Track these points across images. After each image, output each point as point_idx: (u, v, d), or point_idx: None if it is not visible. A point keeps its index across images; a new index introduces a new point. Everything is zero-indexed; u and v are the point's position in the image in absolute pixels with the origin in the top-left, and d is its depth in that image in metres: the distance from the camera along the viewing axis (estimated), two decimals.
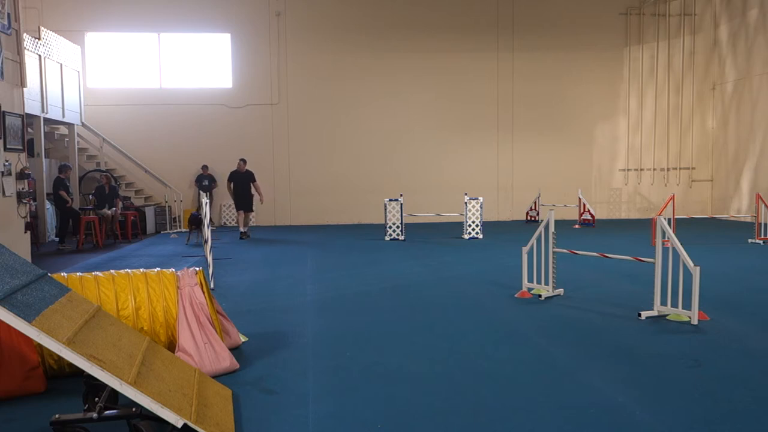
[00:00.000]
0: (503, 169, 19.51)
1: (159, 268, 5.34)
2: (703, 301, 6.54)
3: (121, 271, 5.21)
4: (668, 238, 6.44)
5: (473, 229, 14.37)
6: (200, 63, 18.52)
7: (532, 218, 18.37)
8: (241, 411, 4.18)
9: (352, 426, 3.95)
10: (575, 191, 18.04)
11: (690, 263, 6.20)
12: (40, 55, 13.95)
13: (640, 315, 6.55)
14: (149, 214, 16.84)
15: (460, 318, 6.72)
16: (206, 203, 9.49)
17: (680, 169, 20.06)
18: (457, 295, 7.88)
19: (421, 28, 18.81)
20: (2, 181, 9.69)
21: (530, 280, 7.91)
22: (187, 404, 3.59)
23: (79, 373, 3.90)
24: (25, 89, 10.95)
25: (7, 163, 9.84)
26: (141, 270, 5.24)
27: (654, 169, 19.99)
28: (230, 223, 18.37)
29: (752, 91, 17.93)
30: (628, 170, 19.97)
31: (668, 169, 20.02)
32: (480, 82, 19.14)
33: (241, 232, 15.05)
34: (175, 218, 17.74)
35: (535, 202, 18.43)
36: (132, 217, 15.43)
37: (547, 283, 7.68)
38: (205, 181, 17.54)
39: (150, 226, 16.78)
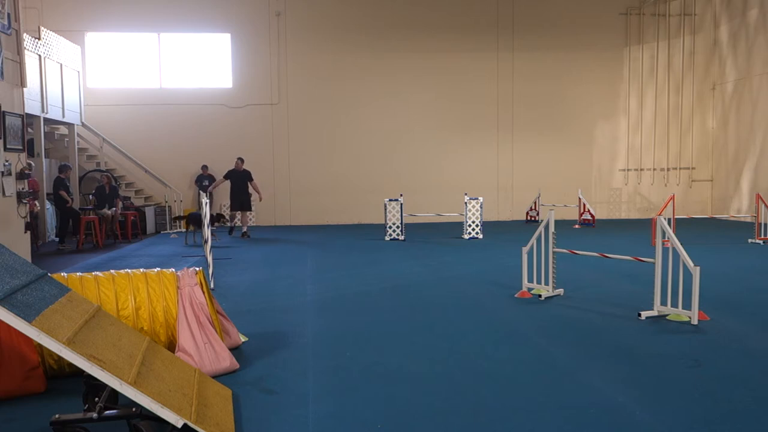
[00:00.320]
0: (503, 169, 19.51)
1: (159, 268, 5.34)
2: (703, 301, 6.54)
3: (121, 271, 5.21)
4: (668, 238, 6.44)
5: (473, 229, 14.37)
6: (200, 63, 18.52)
7: (532, 218, 18.37)
8: (241, 411, 4.18)
9: (352, 426, 3.95)
10: (575, 191, 18.04)
11: (690, 263, 6.20)
12: (40, 55, 13.95)
13: (640, 315, 6.55)
14: (149, 214, 16.84)
15: (460, 318, 6.72)
16: (206, 203, 9.49)
17: (680, 169, 20.06)
18: (457, 295, 7.88)
19: (421, 28, 18.81)
20: (2, 181, 9.69)
21: (530, 280, 7.91)
22: (187, 404, 3.59)
23: (79, 373, 3.90)
24: (25, 89, 10.95)
25: (7, 163, 9.83)
26: (141, 270, 5.24)
27: (654, 169, 19.99)
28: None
29: (752, 91, 17.93)
30: (628, 170, 19.97)
31: (668, 169, 20.02)
32: (480, 82, 19.14)
33: (243, 232, 15.12)
34: (174, 218, 17.72)
35: (535, 202, 18.43)
36: (132, 217, 15.43)
37: (547, 283, 7.68)
38: (205, 181, 17.53)
39: (150, 226, 16.79)
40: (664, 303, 6.57)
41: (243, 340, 5.71)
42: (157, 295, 5.02)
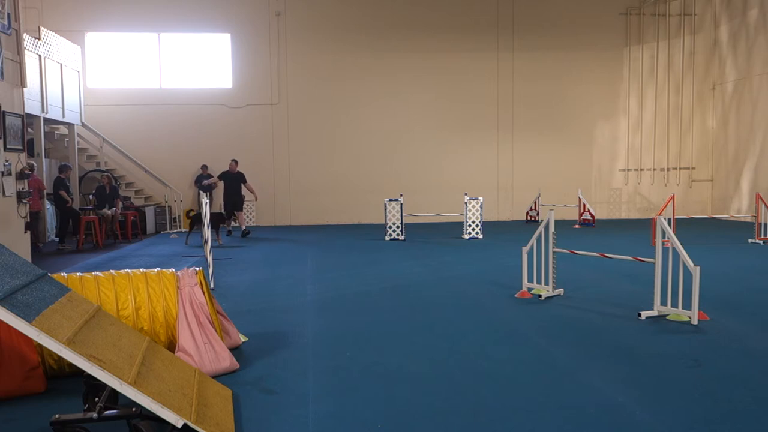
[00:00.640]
0: (503, 169, 19.51)
1: (159, 268, 5.34)
2: (703, 301, 6.54)
3: (121, 271, 5.22)
4: (668, 238, 6.44)
5: (473, 229, 14.37)
6: (200, 63, 18.52)
7: (532, 218, 18.37)
8: (241, 411, 4.18)
9: (352, 426, 3.95)
10: (575, 191, 18.04)
11: (690, 263, 6.20)
12: (40, 55, 13.95)
13: (640, 315, 6.55)
14: (149, 214, 16.84)
15: (460, 318, 6.72)
16: (206, 203, 9.49)
17: (680, 169, 20.06)
18: (457, 295, 7.88)
19: (421, 28, 18.81)
20: (2, 181, 9.69)
21: (530, 280, 7.91)
22: (187, 404, 3.59)
23: (79, 373, 3.90)
24: (25, 89, 10.94)
25: (7, 163, 9.83)
26: (141, 270, 5.24)
27: (654, 169, 19.99)
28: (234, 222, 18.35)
29: (752, 91, 17.93)
30: (628, 170, 19.97)
31: (668, 169, 20.02)
32: (480, 82, 19.14)
33: (243, 231, 15.21)
34: (175, 218, 17.74)
35: (535, 202, 18.43)
36: (132, 217, 15.43)
37: (547, 283, 7.68)
38: (204, 181, 17.52)
39: (150, 226, 16.79)
40: (664, 303, 6.57)
41: (243, 340, 5.71)
42: (157, 295, 5.02)
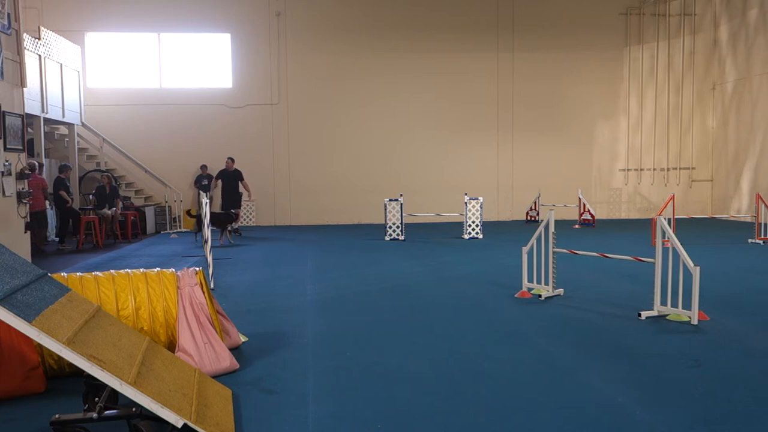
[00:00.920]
0: (503, 169, 19.51)
1: (159, 268, 5.34)
2: (703, 301, 6.54)
3: (121, 271, 5.22)
4: (668, 238, 6.44)
5: (473, 229, 14.37)
6: (200, 63, 18.52)
7: (532, 218, 18.37)
8: (241, 411, 4.18)
9: (352, 426, 3.95)
10: (575, 191, 18.04)
11: (690, 263, 6.20)
12: (40, 55, 13.95)
13: (640, 315, 6.55)
14: (149, 214, 16.84)
15: (460, 318, 6.72)
16: (206, 203, 9.49)
17: (680, 169, 20.06)
18: (457, 295, 7.88)
19: (421, 28, 18.81)
20: (2, 181, 9.69)
21: (530, 280, 7.91)
22: (187, 404, 3.59)
23: (79, 373, 3.90)
24: (25, 89, 10.94)
25: (7, 163, 9.83)
26: (141, 270, 5.24)
27: (654, 169, 19.99)
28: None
29: (752, 91, 17.93)
30: (628, 170, 19.97)
31: (668, 169, 20.02)
32: (480, 82, 19.14)
33: (235, 229, 15.24)
34: (175, 218, 17.74)
35: (535, 202, 18.43)
36: (132, 217, 15.43)
37: (547, 283, 7.68)
38: (204, 181, 17.53)
39: (150, 226, 16.79)
40: (664, 303, 6.57)
41: (243, 340, 5.71)
42: (157, 295, 5.02)
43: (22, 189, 10.45)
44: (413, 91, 18.98)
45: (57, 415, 3.55)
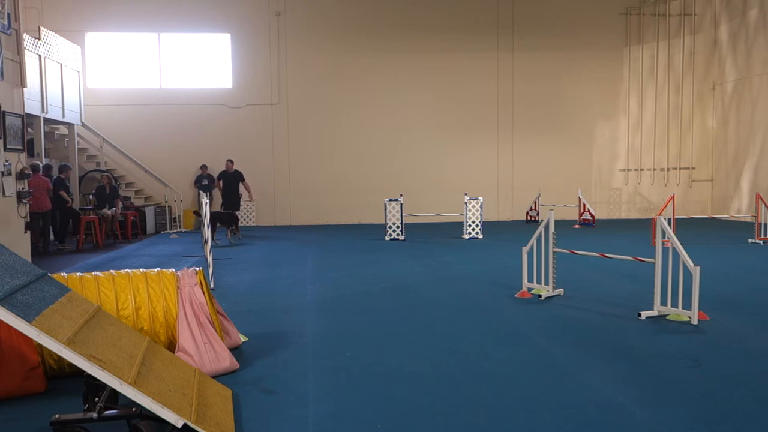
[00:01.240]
0: (503, 169, 19.51)
1: (159, 268, 5.34)
2: (703, 301, 6.54)
3: (121, 271, 5.22)
4: (668, 238, 6.44)
5: (473, 229, 14.37)
6: (200, 63, 18.52)
7: (532, 218, 18.37)
8: (241, 411, 4.18)
9: (352, 426, 3.95)
10: (575, 191, 18.04)
11: (690, 263, 6.20)
12: (40, 55, 13.95)
13: (640, 315, 6.55)
14: (149, 214, 16.84)
15: (460, 318, 6.72)
16: (206, 203, 9.49)
17: (680, 169, 20.06)
18: (457, 295, 7.88)
19: (421, 28, 18.81)
20: (2, 181, 9.69)
21: (530, 280, 7.91)
22: (187, 404, 3.59)
23: (79, 373, 3.90)
24: (25, 89, 10.94)
25: (7, 163, 9.83)
26: (141, 270, 5.24)
27: (654, 169, 19.99)
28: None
29: (752, 91, 17.93)
30: (628, 170, 19.97)
31: (668, 169, 20.02)
32: (480, 82, 19.13)
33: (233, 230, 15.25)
34: (175, 218, 17.74)
35: (535, 202, 18.43)
36: (132, 217, 15.43)
37: (547, 283, 7.68)
38: (204, 181, 17.55)
39: (150, 226, 16.79)
40: (664, 303, 6.57)
41: (243, 340, 5.71)
42: (157, 295, 5.02)
43: (22, 189, 10.46)
44: (413, 91, 18.98)
45: (57, 415, 3.55)
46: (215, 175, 17.49)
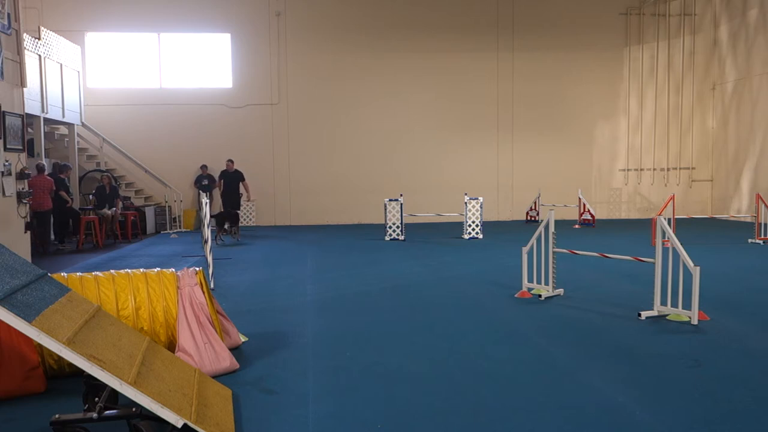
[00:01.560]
0: (503, 169, 19.51)
1: (159, 268, 5.34)
2: (703, 301, 6.54)
3: (121, 271, 5.22)
4: (668, 238, 6.44)
5: (473, 229, 14.37)
6: (200, 63, 18.52)
7: (532, 218, 18.37)
8: (241, 411, 4.18)
9: (352, 426, 3.95)
10: (575, 191, 18.04)
11: (690, 263, 6.20)
12: (40, 55, 13.95)
13: (640, 315, 6.55)
14: (149, 214, 16.84)
15: (460, 318, 6.72)
16: (206, 203, 9.49)
17: (680, 169, 20.06)
18: (457, 295, 7.88)
19: (421, 28, 18.81)
20: (2, 181, 9.69)
21: (530, 280, 7.91)
22: (187, 404, 3.59)
23: (79, 373, 3.90)
24: (25, 89, 10.94)
25: (7, 163, 9.83)
26: (141, 270, 5.24)
27: (654, 169, 19.99)
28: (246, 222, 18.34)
29: (752, 91, 17.93)
30: (628, 170, 19.97)
31: (668, 169, 20.02)
32: (480, 82, 19.13)
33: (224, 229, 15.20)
34: (175, 218, 17.74)
35: (535, 202, 18.43)
36: (132, 217, 15.43)
37: (547, 283, 7.68)
38: (204, 181, 17.56)
39: (150, 226, 16.79)
40: (664, 303, 6.57)
41: (243, 340, 5.71)
42: (157, 295, 5.02)
43: (22, 189, 10.46)
44: (413, 91, 18.98)
45: (57, 415, 3.55)
46: (215, 175, 17.49)
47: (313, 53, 18.59)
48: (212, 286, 8.20)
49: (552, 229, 7.49)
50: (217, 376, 4.75)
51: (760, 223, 13.08)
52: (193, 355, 4.77)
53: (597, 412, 4.09)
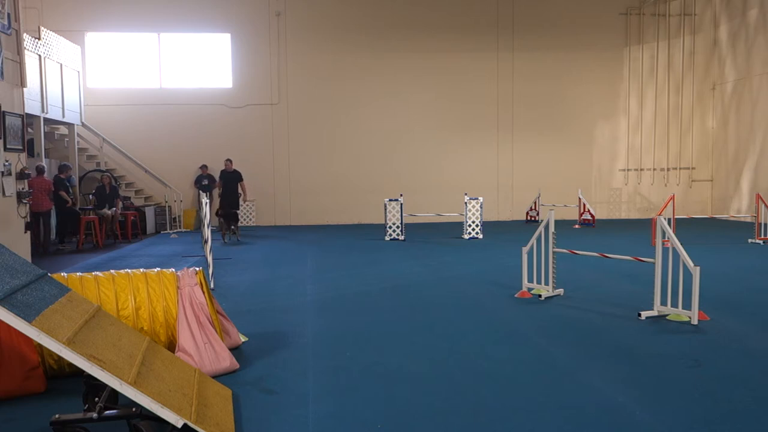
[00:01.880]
0: (503, 169, 19.51)
1: (159, 268, 5.34)
2: (703, 301, 6.54)
3: (121, 271, 5.21)
4: (668, 238, 6.44)
5: (473, 229, 14.37)
6: (200, 63, 18.52)
7: (532, 218, 18.37)
8: (241, 411, 4.18)
9: (352, 426, 3.95)
10: (575, 191, 18.04)
11: (690, 263, 6.20)
12: (40, 55, 13.95)
13: (640, 315, 6.55)
14: (149, 214, 16.84)
15: (460, 318, 6.72)
16: (206, 203, 9.49)
17: (680, 169, 20.06)
18: (457, 295, 7.88)
19: (421, 28, 18.81)
20: (2, 181, 9.69)
21: (530, 280, 7.91)
22: (187, 404, 3.59)
23: (79, 373, 3.90)
24: (25, 89, 10.94)
25: (7, 163, 9.83)
26: (141, 270, 5.24)
27: (654, 169, 19.99)
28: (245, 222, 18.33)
29: (752, 91, 17.93)
30: (628, 170, 19.97)
31: (668, 169, 20.02)
32: (480, 82, 19.14)
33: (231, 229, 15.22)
34: (175, 218, 17.74)
35: (535, 202, 18.43)
36: (132, 217, 15.43)
37: (547, 283, 7.68)
38: (204, 181, 17.56)
39: (150, 226, 16.79)
40: (664, 303, 6.57)
41: (243, 340, 5.71)
42: (157, 295, 5.02)
43: (22, 189, 10.46)
44: (413, 91, 18.98)
45: (57, 415, 3.55)
46: (215, 175, 17.49)
47: (313, 53, 18.59)
48: (212, 286, 8.20)
49: (552, 229, 7.49)
50: (217, 376, 4.75)
51: (760, 223, 13.08)
52: (193, 355, 4.77)
53: (597, 412, 4.09)
